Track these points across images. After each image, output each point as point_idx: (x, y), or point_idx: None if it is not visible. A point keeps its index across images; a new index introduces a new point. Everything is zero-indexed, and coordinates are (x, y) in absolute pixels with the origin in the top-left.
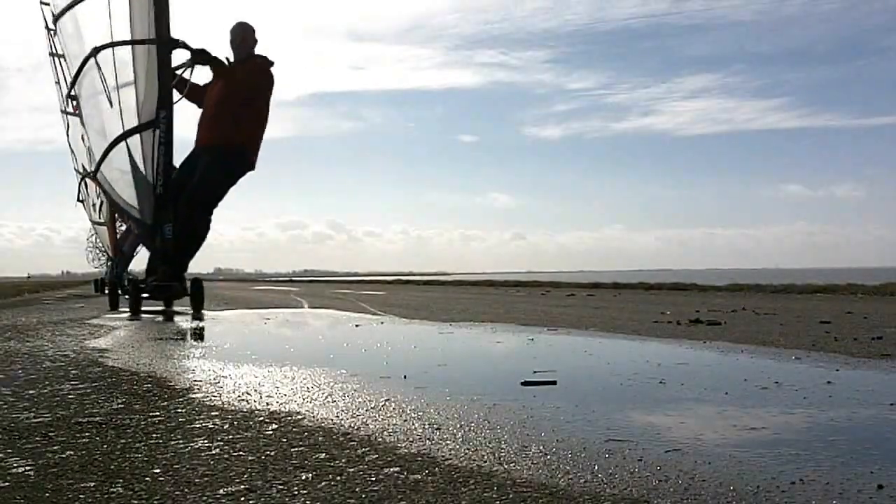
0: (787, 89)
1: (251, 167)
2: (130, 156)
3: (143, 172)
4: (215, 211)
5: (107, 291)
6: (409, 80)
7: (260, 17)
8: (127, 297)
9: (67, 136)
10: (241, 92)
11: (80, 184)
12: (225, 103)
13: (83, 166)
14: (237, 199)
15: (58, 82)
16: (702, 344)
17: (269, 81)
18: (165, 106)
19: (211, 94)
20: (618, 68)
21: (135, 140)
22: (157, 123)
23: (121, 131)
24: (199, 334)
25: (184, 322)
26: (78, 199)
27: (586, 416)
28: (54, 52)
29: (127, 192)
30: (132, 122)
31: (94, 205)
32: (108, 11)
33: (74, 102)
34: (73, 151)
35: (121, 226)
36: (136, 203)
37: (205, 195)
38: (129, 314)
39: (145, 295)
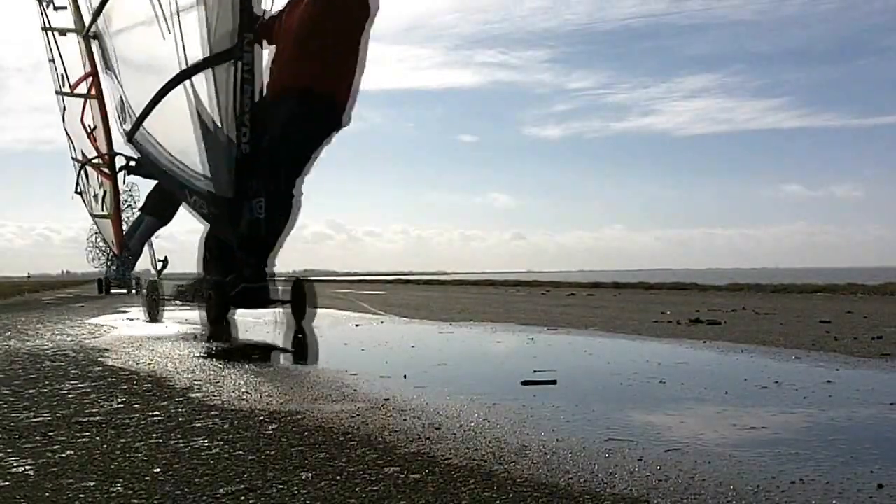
0: (787, 89)
1: (343, 121)
2: (196, 103)
3: (217, 126)
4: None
5: (121, 292)
6: (409, 80)
7: None
8: (128, 292)
9: (63, 120)
10: (330, 24)
11: (78, 173)
12: (308, 38)
13: (82, 153)
14: None
15: (52, 60)
16: (702, 344)
17: (364, 11)
18: (248, 29)
19: (287, 28)
20: (617, 68)
21: (201, 81)
22: (239, 53)
23: (180, 69)
24: (198, 334)
25: (183, 322)
26: (76, 191)
27: (586, 416)
28: (47, 26)
29: (189, 156)
30: (197, 54)
31: (95, 195)
32: None
33: (94, 40)
34: (69, 137)
35: (133, 214)
36: (207, 170)
37: (288, 157)
38: (122, 316)
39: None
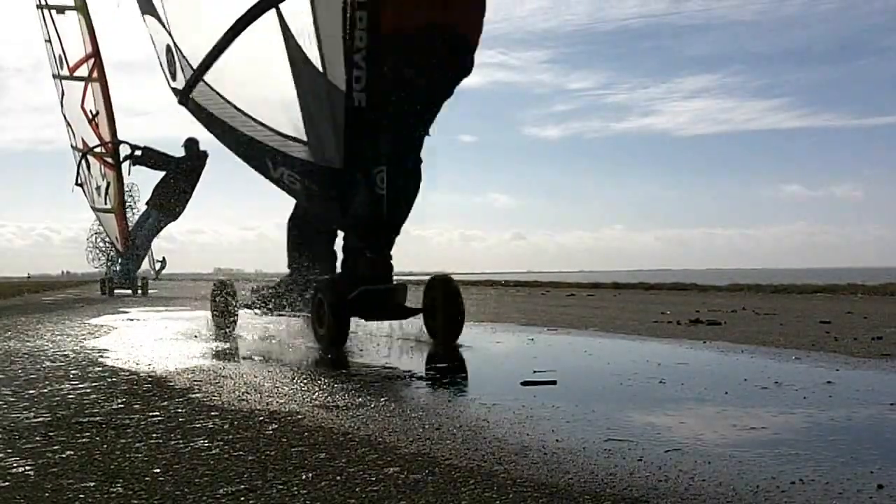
0: (787, 89)
1: (469, 67)
2: (287, 41)
3: (319, 71)
4: (212, 209)
5: (125, 293)
6: None
7: None
8: (119, 290)
9: (62, 105)
10: None
11: (79, 163)
12: None
13: (83, 141)
14: (237, 199)
15: (48, 41)
16: (702, 344)
17: None
18: None
19: None
20: (617, 68)
21: (295, 11)
22: None
23: None
24: (198, 335)
25: (184, 322)
26: (76, 183)
27: (586, 416)
28: (43, 3)
29: (276, 114)
30: None
31: (97, 187)
32: None
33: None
34: (69, 125)
35: (133, 215)
36: (302, 132)
37: (410, 112)
38: (122, 316)
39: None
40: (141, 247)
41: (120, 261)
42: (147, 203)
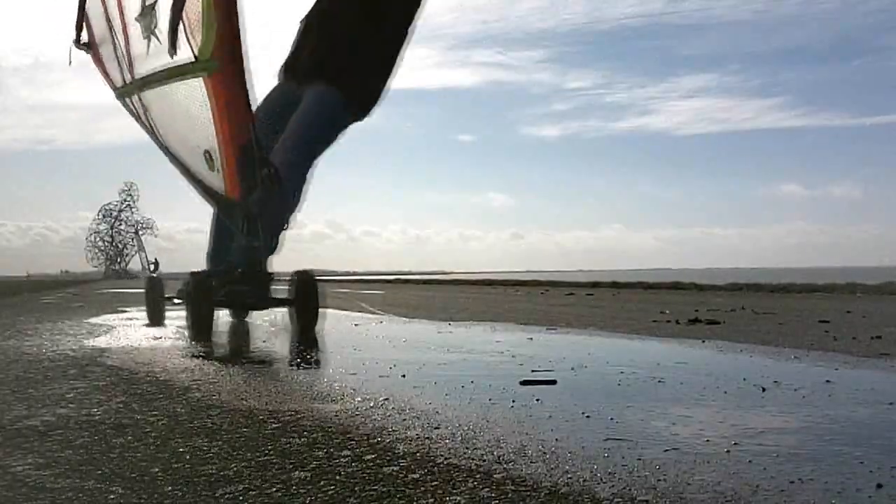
0: (786, 89)
1: None
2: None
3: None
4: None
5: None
6: (407, 80)
7: (258, 16)
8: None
9: None
10: None
11: None
12: None
13: None
14: None
15: None
16: (701, 343)
17: None
18: None
19: None
20: (615, 68)
21: None
22: None
23: None
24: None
25: (180, 320)
26: (77, 43)
27: (586, 416)
28: None
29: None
30: None
31: (151, 24)
32: None
33: None
34: None
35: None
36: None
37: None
38: (122, 316)
39: None
40: (294, 183)
41: (225, 237)
42: (287, 77)
